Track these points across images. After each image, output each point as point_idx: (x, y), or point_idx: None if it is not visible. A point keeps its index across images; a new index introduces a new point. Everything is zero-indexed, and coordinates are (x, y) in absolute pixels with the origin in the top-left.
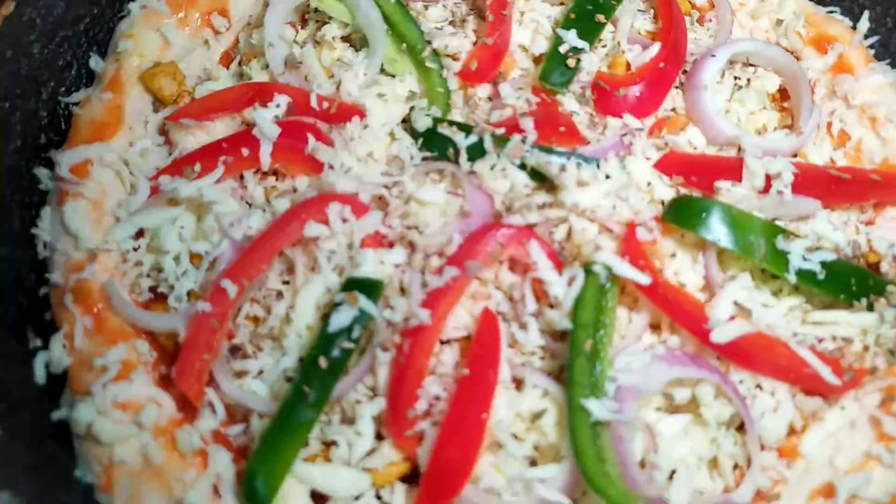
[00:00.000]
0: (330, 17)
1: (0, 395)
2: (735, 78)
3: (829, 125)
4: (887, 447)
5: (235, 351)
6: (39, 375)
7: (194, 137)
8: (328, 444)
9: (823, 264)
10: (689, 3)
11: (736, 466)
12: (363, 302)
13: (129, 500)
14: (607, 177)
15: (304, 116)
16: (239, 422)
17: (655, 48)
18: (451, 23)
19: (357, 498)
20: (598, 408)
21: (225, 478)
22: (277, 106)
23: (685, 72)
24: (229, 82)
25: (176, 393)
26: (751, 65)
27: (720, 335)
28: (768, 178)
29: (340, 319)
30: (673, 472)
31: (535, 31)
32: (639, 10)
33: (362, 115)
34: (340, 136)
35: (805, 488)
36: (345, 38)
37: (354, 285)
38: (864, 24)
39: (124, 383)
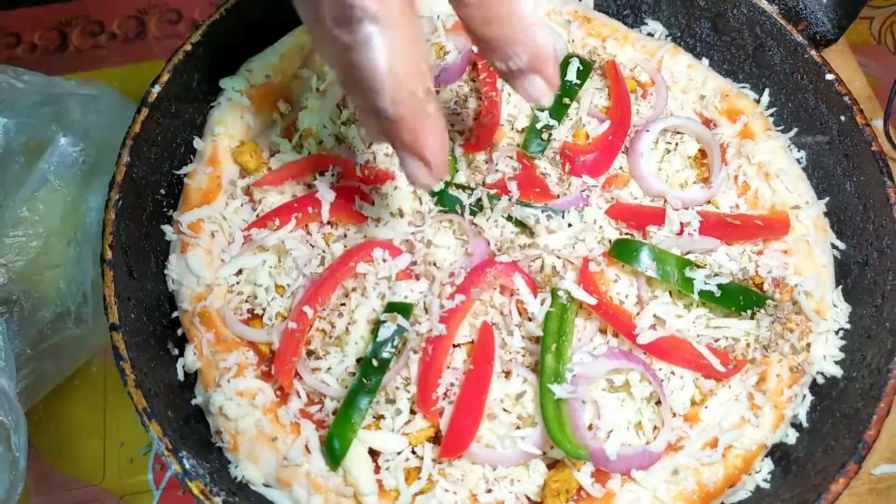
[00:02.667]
0: None
1: (158, 390)
2: (666, 143)
3: (736, 178)
4: (755, 413)
5: (310, 354)
6: (180, 375)
7: (271, 198)
8: (378, 418)
9: (719, 286)
10: (635, 80)
11: (655, 428)
12: (400, 320)
13: (249, 457)
14: (570, 224)
15: (351, 181)
16: (316, 404)
17: (607, 124)
18: (455, 102)
19: (399, 453)
20: (559, 390)
21: (312, 440)
22: (332, 174)
23: (629, 140)
24: (292, 152)
25: (273, 384)
26: (678, 132)
27: (644, 338)
28: (682, 225)
29: (385, 332)
30: (610, 431)
31: (519, 109)
32: (596, 89)
33: (393, 178)
34: (378, 196)
35: (700, 442)
36: None
37: (393, 308)
38: (766, 98)
39: (241, 378)
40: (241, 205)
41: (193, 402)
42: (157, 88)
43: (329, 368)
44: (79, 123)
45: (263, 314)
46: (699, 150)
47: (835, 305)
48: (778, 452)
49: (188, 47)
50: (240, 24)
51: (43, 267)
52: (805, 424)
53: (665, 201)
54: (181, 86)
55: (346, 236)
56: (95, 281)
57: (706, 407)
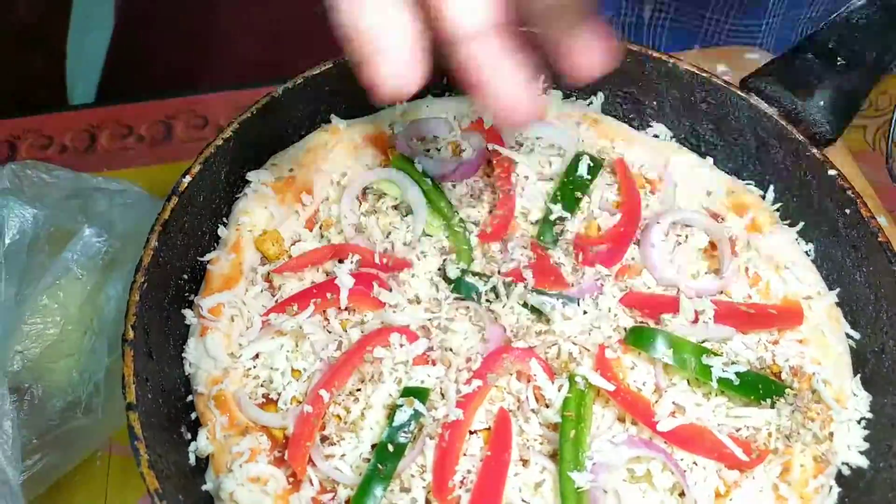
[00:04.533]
0: (385, 193)
1: (171, 474)
2: (676, 236)
3: (747, 269)
4: None
5: (324, 440)
6: (192, 460)
7: (291, 284)
8: None
9: (738, 374)
10: (644, 178)
11: None
12: (417, 404)
13: None
14: (585, 312)
15: (370, 268)
16: (329, 492)
17: (618, 216)
18: (471, 196)
19: None
20: (579, 478)
21: None
22: (351, 262)
23: (640, 232)
24: (313, 241)
25: (286, 470)
26: (687, 226)
27: (664, 426)
28: (696, 313)
29: (401, 416)
30: None
31: (532, 202)
32: (607, 184)
33: (410, 266)
34: (395, 282)
35: None
36: (394, 207)
37: (410, 392)
38: (771, 194)
39: (253, 464)
40: (261, 291)
41: (204, 487)
42: (187, 179)
43: (343, 455)
44: (104, 216)
45: (279, 399)
46: (709, 242)
47: (854, 394)
48: None
49: (219, 142)
50: (267, 123)
51: (58, 355)
52: None
53: (678, 290)
54: (210, 177)
55: (363, 322)
56: (109, 371)
57: (730, 499)
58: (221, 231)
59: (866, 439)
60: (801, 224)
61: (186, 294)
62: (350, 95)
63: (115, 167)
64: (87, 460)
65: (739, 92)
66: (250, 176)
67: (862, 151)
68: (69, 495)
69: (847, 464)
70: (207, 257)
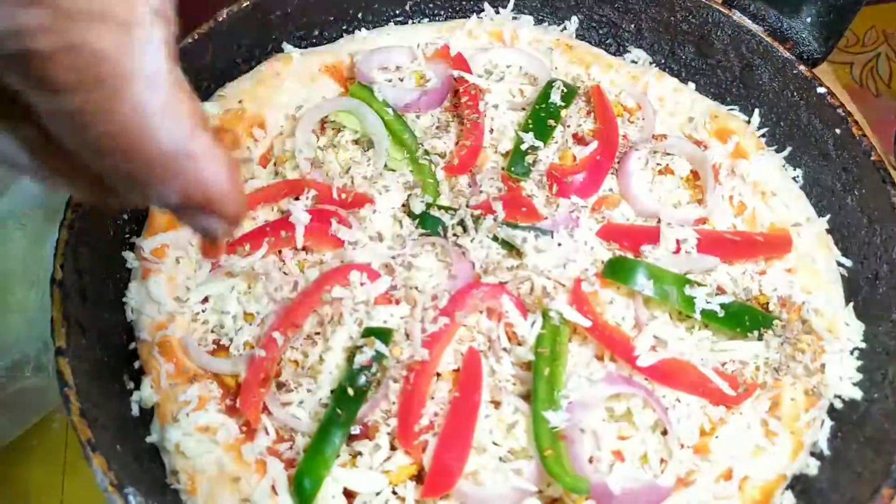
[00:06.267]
0: (344, 126)
1: (108, 424)
2: (657, 164)
3: (731, 198)
4: (771, 441)
5: (281, 387)
6: (134, 410)
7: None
8: (354, 455)
9: (722, 305)
10: (621, 105)
11: (662, 461)
12: (378, 345)
13: (208, 500)
14: (559, 244)
15: (328, 205)
16: (286, 441)
17: (594, 145)
18: (437, 128)
19: (378, 493)
20: (554, 417)
21: (279, 480)
22: (307, 198)
23: (618, 161)
24: (267, 179)
25: (238, 420)
26: (668, 153)
27: (644, 360)
28: (678, 242)
29: (362, 358)
30: (612, 464)
31: (503, 132)
32: (582, 115)
33: (372, 202)
34: (356, 219)
35: (713, 474)
36: (355, 141)
37: (371, 332)
38: (756, 119)
39: (202, 412)
40: None
41: (148, 439)
42: None
43: (301, 402)
44: None
45: (230, 345)
46: (691, 171)
47: (847, 324)
48: (799, 486)
49: None
50: (212, 51)
51: (1, 311)
52: (826, 452)
53: (658, 221)
54: None
55: (322, 263)
56: None
57: (716, 437)
58: None
59: (859, 370)
60: (789, 149)
61: (127, 236)
62: (304, 21)
63: None
64: (43, 423)
65: (722, 9)
66: None
67: (848, 88)
68: (26, 460)
69: (840, 396)
70: None
